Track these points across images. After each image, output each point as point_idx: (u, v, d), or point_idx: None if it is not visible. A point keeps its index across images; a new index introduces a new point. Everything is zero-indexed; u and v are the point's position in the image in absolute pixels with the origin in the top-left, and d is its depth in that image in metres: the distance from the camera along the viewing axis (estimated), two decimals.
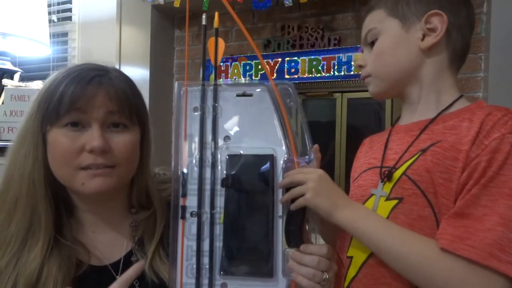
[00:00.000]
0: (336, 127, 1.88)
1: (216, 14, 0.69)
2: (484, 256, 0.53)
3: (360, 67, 0.76)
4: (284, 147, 0.66)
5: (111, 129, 0.66)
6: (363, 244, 0.63)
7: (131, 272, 0.63)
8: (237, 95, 0.68)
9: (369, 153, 0.78)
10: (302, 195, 0.62)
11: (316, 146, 0.68)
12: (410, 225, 0.61)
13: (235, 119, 0.68)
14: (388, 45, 0.71)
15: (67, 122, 0.63)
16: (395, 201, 0.64)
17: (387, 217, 0.64)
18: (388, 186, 0.66)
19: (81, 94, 0.62)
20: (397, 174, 0.65)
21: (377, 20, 0.72)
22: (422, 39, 0.69)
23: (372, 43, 0.73)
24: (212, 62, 0.70)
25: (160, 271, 0.69)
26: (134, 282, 0.67)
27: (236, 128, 0.67)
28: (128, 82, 0.70)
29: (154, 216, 0.73)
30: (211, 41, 0.70)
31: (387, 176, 0.66)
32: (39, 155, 0.63)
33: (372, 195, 0.68)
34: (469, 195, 0.57)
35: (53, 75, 0.66)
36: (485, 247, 0.53)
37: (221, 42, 0.70)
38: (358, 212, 0.63)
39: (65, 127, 0.63)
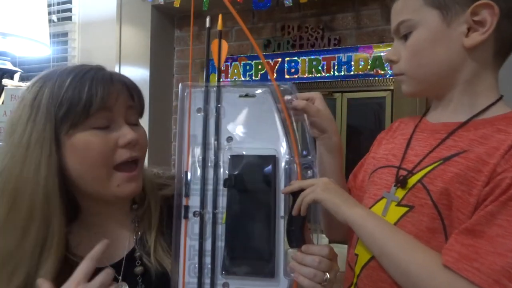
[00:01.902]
0: None
1: (220, 16, 0.69)
2: (490, 283, 0.48)
3: (392, 62, 0.67)
4: (286, 148, 0.66)
5: (130, 125, 0.67)
6: (366, 245, 0.61)
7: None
8: (240, 96, 0.68)
9: (390, 145, 0.72)
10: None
11: None
12: (417, 236, 0.58)
13: (237, 120, 0.68)
14: (426, 42, 0.61)
15: (94, 122, 0.62)
16: (405, 209, 0.61)
17: (395, 223, 0.61)
18: (401, 191, 0.62)
19: (109, 92, 0.63)
20: (413, 180, 0.61)
21: (412, 10, 0.62)
22: (467, 34, 0.59)
23: (405, 36, 0.64)
24: (216, 64, 0.70)
25: (163, 260, 0.69)
26: (137, 278, 0.68)
27: (238, 129, 0.68)
28: None
29: (149, 208, 0.73)
30: (214, 43, 0.70)
31: (400, 182, 0.62)
32: (53, 163, 0.61)
33: (383, 197, 0.65)
34: (484, 211, 0.51)
35: (45, 81, 0.62)
36: (492, 273, 0.49)
37: (225, 44, 0.70)
38: (368, 212, 0.62)
39: (92, 128, 0.62)
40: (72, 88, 0.61)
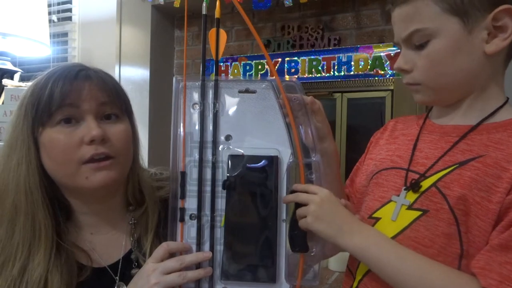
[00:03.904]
0: (336, 127, 1.88)
1: (218, 2, 0.65)
2: None
3: (404, 71, 0.63)
4: (289, 148, 0.63)
5: (104, 121, 0.66)
6: (375, 272, 0.57)
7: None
8: (240, 92, 0.65)
9: (392, 145, 0.69)
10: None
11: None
12: (431, 241, 0.56)
13: (237, 117, 0.65)
14: (447, 52, 0.58)
15: (60, 119, 0.62)
16: (418, 213, 0.58)
17: (407, 227, 0.58)
18: (413, 194, 0.60)
19: (70, 88, 0.62)
20: (426, 183, 0.59)
21: (428, 18, 0.58)
22: (487, 41, 0.57)
23: (420, 45, 0.60)
24: (213, 55, 0.66)
25: None
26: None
27: (238, 127, 0.65)
28: (111, 76, 0.71)
29: (147, 210, 0.73)
30: (212, 32, 0.66)
31: (412, 185, 0.59)
32: (32, 160, 0.63)
33: (391, 200, 0.63)
34: None
35: (34, 81, 0.65)
36: None
37: (223, 33, 0.66)
38: (368, 239, 0.58)
39: (58, 125, 0.62)
40: (40, 87, 0.63)
